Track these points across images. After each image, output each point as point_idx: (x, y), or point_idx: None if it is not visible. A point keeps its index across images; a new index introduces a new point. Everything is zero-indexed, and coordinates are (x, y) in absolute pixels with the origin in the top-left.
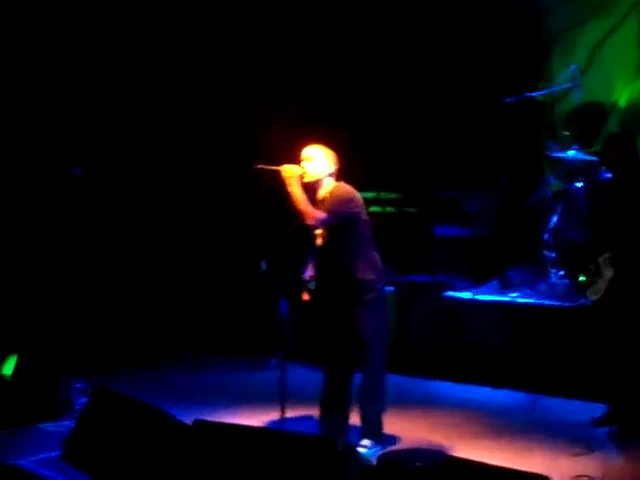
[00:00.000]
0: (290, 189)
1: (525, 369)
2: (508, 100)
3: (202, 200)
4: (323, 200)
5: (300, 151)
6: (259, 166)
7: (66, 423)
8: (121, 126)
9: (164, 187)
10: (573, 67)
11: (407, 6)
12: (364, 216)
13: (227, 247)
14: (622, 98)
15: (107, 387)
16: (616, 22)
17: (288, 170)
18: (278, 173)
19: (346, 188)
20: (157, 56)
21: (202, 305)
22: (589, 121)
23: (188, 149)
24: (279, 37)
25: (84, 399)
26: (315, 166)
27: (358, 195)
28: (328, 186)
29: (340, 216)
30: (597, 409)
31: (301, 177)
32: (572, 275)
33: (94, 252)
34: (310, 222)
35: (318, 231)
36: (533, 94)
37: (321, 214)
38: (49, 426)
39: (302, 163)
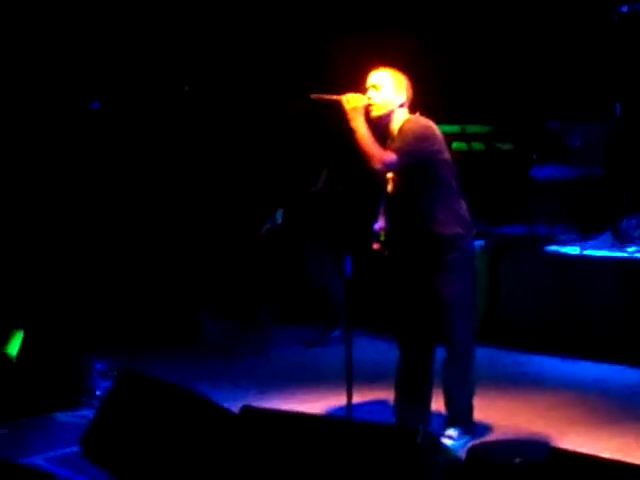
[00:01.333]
0: (353, 124)
1: None
2: (623, 10)
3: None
4: (394, 137)
5: (366, 77)
6: (315, 95)
7: (85, 412)
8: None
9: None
10: None
11: None
12: (445, 156)
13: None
14: None
15: (134, 369)
16: None
17: (352, 100)
18: (339, 104)
19: (421, 122)
20: None
21: (229, 269)
22: None
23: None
24: None
25: (106, 383)
26: (384, 95)
27: (437, 130)
28: (400, 120)
29: (412, 156)
30: None
31: (367, 109)
32: None
33: (109, 210)
34: (377, 166)
35: (389, 175)
36: None
37: (390, 155)
38: (65, 416)
39: (368, 92)
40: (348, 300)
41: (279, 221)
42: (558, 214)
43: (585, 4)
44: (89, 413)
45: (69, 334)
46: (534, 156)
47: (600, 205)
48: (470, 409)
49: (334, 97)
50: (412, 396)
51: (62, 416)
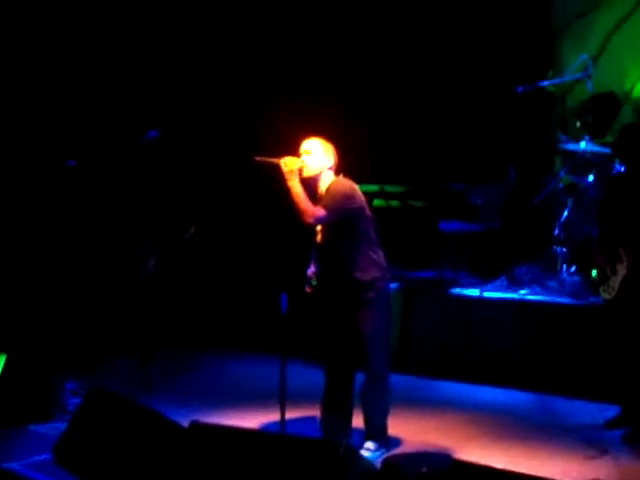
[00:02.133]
0: (289, 184)
1: (534, 368)
2: (518, 90)
3: (199, 193)
4: (322, 195)
5: (299, 144)
6: (258, 158)
7: (58, 425)
8: (121, 119)
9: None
10: (584, 56)
11: None
12: (366, 212)
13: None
14: (636, 87)
15: (101, 388)
16: (628, 10)
17: (288, 163)
18: (277, 166)
19: (345, 182)
20: (158, 50)
21: (193, 299)
22: (601, 111)
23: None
24: (286, 30)
25: (76, 400)
26: (314, 159)
27: (358, 190)
28: (328, 180)
29: (338, 213)
30: (609, 410)
31: (300, 171)
32: (584, 271)
33: (85, 246)
34: (309, 220)
35: (318, 227)
36: (543, 84)
37: (319, 211)
38: (40, 428)
39: (302, 156)
40: (283, 333)
41: (151, 269)
42: (462, 261)
43: (487, 83)
44: (61, 425)
45: (44, 357)
46: (442, 212)
47: (497, 254)
48: (385, 426)
49: (274, 160)
50: (335, 414)
51: (37, 428)
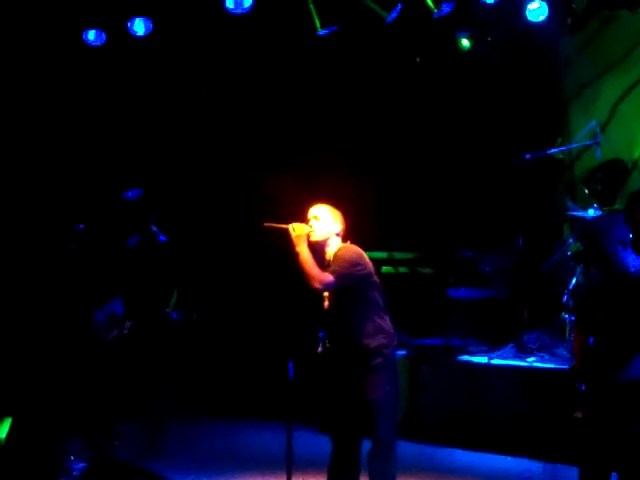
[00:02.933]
0: (297, 249)
1: (543, 437)
2: (527, 157)
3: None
4: (330, 261)
5: (307, 210)
6: (267, 224)
7: None
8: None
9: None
10: (593, 123)
11: (425, 60)
12: (373, 278)
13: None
14: None
15: (107, 454)
16: (635, 78)
17: (297, 228)
18: (286, 231)
19: (353, 249)
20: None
21: (202, 365)
22: (610, 179)
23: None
24: (295, 94)
25: (81, 465)
26: (322, 225)
27: (365, 256)
28: (335, 246)
29: (346, 278)
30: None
31: (308, 236)
32: None
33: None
34: (316, 285)
35: (325, 293)
36: (552, 151)
37: (327, 277)
38: None
39: (310, 222)
40: (290, 399)
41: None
42: (470, 328)
43: (496, 151)
44: None
45: (50, 422)
46: (450, 279)
47: (505, 322)
48: None
49: (283, 226)
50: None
51: None
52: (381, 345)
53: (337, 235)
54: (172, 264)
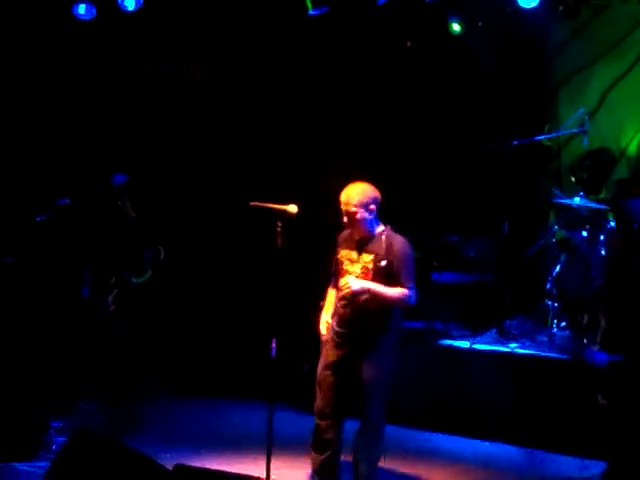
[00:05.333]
0: (367, 295)
1: (522, 422)
2: (514, 143)
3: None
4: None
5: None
6: (253, 203)
7: (42, 464)
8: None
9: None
10: (581, 111)
11: (415, 44)
12: None
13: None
14: (632, 144)
15: (87, 429)
16: (626, 67)
17: (349, 284)
18: (273, 211)
19: (403, 241)
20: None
21: (186, 343)
22: (597, 167)
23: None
24: (280, 69)
25: (61, 439)
26: (360, 216)
27: None
28: (376, 226)
29: (415, 277)
30: (595, 467)
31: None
32: (574, 326)
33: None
34: (406, 305)
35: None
36: (540, 138)
37: (405, 292)
38: (24, 466)
39: (344, 217)
40: (272, 378)
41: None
42: (453, 313)
43: (484, 136)
44: (45, 464)
45: (29, 395)
46: (435, 263)
47: (489, 307)
48: (375, 474)
49: (269, 205)
50: (324, 459)
51: (21, 466)
52: (394, 325)
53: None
54: (151, 241)
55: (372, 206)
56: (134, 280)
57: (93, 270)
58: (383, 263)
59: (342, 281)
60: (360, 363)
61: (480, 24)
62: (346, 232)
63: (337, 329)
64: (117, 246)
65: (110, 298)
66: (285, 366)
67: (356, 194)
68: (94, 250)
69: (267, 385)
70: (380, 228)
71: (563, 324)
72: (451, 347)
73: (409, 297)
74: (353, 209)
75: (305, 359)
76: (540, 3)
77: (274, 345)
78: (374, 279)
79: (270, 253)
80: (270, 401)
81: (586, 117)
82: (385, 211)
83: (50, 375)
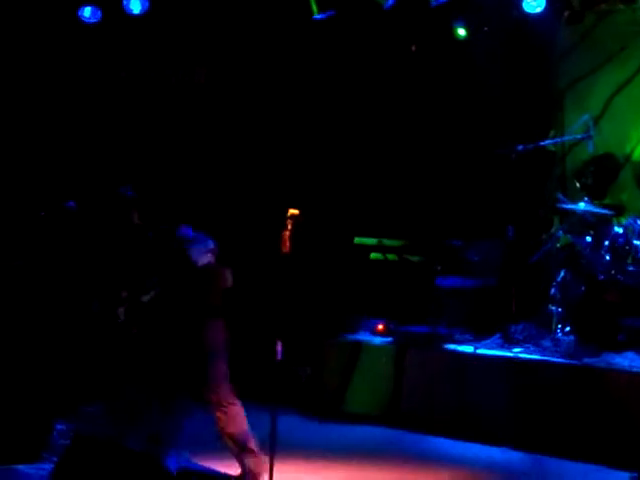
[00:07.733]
0: None
1: (526, 427)
2: (519, 148)
3: None
4: None
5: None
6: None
7: (45, 466)
8: None
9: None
10: (586, 117)
11: (420, 48)
12: None
13: None
14: (637, 150)
15: (89, 432)
16: (630, 73)
17: None
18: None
19: None
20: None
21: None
22: (601, 173)
23: None
24: (285, 73)
25: (64, 441)
26: None
27: None
28: None
29: None
30: (598, 472)
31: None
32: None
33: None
34: None
35: None
36: (544, 143)
37: None
38: (26, 468)
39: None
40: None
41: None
42: (456, 317)
43: (488, 141)
44: (48, 467)
45: (34, 398)
46: (438, 268)
47: (492, 311)
48: None
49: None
50: None
51: (23, 468)
52: None
53: None
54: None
55: None
56: (143, 299)
57: (103, 283)
58: None
59: None
60: None
61: (486, 29)
62: None
63: None
64: (127, 259)
65: (121, 310)
66: (287, 370)
67: None
68: (105, 261)
69: (271, 388)
70: None
71: (567, 329)
72: (455, 352)
73: None
74: None
75: (306, 363)
76: (545, 9)
77: (279, 348)
78: None
79: (275, 257)
80: (274, 404)
81: (591, 123)
82: (387, 214)
83: (54, 378)
